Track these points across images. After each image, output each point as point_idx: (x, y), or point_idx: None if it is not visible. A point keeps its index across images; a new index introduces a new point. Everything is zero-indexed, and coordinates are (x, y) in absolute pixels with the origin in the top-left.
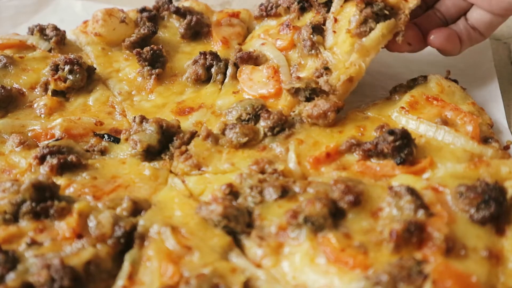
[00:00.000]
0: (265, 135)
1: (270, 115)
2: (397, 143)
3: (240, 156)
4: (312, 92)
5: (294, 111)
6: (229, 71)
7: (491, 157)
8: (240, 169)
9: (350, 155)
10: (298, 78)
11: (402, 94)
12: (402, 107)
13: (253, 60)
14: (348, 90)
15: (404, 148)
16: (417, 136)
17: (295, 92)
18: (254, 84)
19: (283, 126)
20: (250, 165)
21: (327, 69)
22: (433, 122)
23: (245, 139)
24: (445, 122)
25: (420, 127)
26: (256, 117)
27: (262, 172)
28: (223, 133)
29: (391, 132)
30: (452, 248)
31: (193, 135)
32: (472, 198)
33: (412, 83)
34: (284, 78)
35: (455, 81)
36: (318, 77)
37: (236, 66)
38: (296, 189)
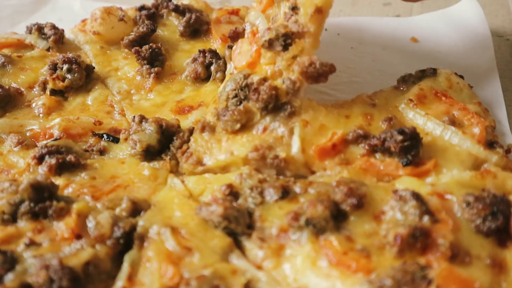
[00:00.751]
0: (261, 114)
1: (258, 96)
2: (406, 144)
3: (240, 142)
4: (286, 38)
5: (283, 79)
6: (227, 55)
7: (495, 164)
8: (240, 165)
9: (355, 146)
10: (268, 29)
11: (411, 85)
12: (410, 99)
13: (242, 33)
14: (321, 24)
15: (411, 149)
16: (423, 134)
17: (269, 44)
18: (241, 56)
19: (278, 100)
20: (250, 152)
21: (294, 8)
22: (441, 119)
23: (238, 126)
24: (453, 121)
25: (427, 124)
26: (242, 90)
27: (263, 158)
28: (218, 119)
29: (401, 132)
30: (456, 254)
31: (191, 131)
32: (480, 209)
33: (421, 74)
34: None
35: (461, 77)
36: (288, 20)
37: (230, 48)
38: (297, 189)
